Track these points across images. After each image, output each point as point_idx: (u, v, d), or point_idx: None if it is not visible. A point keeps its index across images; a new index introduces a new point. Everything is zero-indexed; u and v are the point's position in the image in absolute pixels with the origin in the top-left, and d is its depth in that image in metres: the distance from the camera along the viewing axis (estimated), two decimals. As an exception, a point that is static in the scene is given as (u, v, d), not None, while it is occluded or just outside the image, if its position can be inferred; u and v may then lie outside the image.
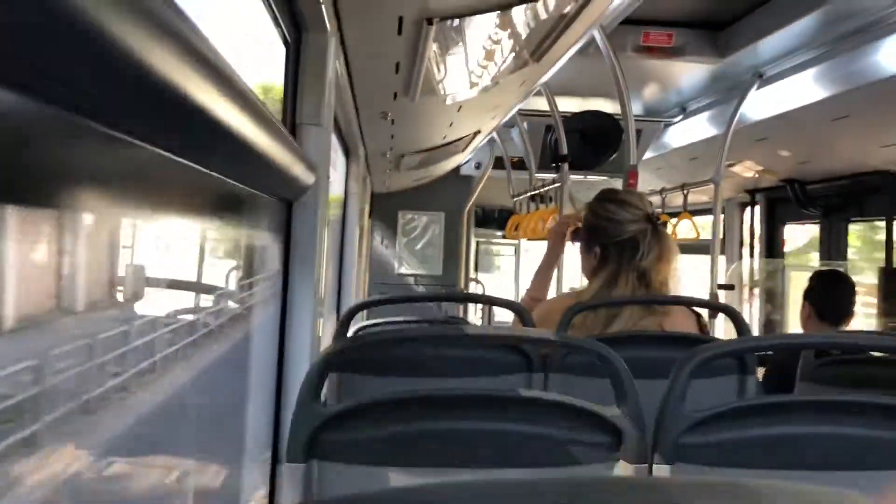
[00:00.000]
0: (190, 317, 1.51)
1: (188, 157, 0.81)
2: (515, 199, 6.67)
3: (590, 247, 2.24)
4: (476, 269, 9.14)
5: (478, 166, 7.16)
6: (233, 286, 1.58)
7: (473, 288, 8.67)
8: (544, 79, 3.24)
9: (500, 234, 8.32)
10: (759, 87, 3.98)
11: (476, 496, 0.44)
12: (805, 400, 1.27)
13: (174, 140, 0.73)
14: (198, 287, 1.54)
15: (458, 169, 7.08)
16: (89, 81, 0.51)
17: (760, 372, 2.33)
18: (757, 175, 5.04)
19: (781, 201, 5.26)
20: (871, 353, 2.64)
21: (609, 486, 0.48)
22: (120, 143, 0.62)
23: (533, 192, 5.77)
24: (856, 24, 3.10)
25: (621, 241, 2.16)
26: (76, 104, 0.52)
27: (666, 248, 2.17)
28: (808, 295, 3.07)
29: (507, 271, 9.61)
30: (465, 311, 8.07)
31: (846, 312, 3.02)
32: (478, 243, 9.27)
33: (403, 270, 8.12)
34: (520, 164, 6.53)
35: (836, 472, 1.21)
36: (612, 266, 2.18)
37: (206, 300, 1.61)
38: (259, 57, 1.49)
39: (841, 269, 3.84)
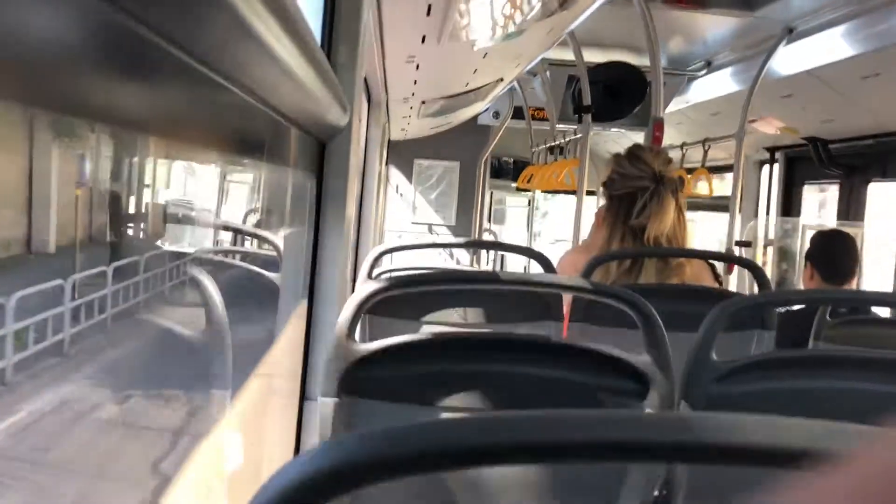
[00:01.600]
0: (221, 254, 1.53)
1: (237, 83, 0.81)
2: (534, 150, 6.63)
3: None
4: (490, 220, 9.14)
5: (496, 115, 7.10)
6: (267, 223, 1.59)
7: (487, 238, 8.68)
8: (571, 27, 3.20)
9: (514, 185, 8.29)
10: (787, 43, 3.91)
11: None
12: (835, 355, 1.28)
13: (221, 60, 0.72)
14: (228, 224, 1.55)
15: (475, 118, 7.02)
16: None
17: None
18: (778, 132, 4.98)
19: (801, 160, 5.21)
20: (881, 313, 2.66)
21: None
22: (164, 53, 0.59)
23: (553, 144, 5.73)
24: (892, -21, 3.04)
25: (621, 195, 2.18)
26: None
27: (662, 207, 2.15)
28: (810, 256, 3.03)
29: (520, 222, 9.60)
30: (479, 263, 8.09)
31: (849, 271, 2.97)
32: (492, 194, 9.25)
33: (417, 219, 8.12)
34: (539, 115, 6.48)
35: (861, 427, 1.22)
36: (610, 221, 2.20)
37: (236, 237, 1.62)
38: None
39: (851, 231, 3.80)
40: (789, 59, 3.97)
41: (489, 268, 8.39)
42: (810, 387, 1.24)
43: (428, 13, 2.12)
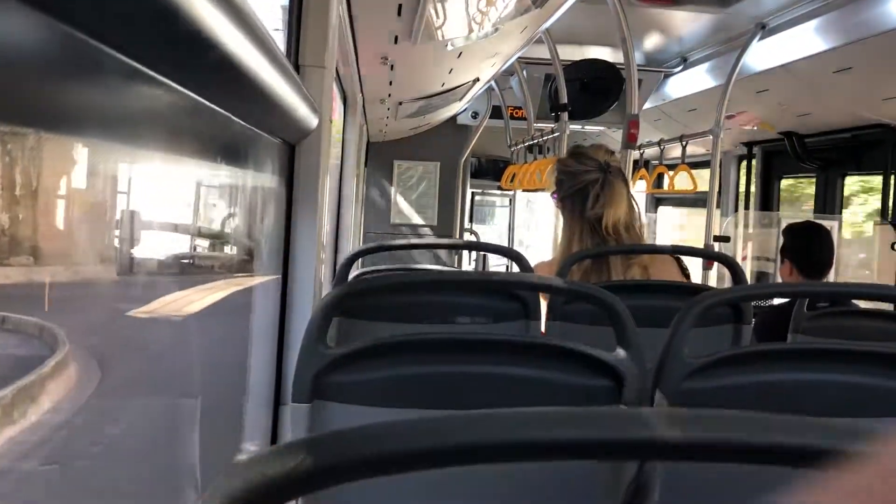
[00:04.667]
0: (190, 261, 1.51)
1: (195, 90, 0.80)
2: (513, 149, 6.63)
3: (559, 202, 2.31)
4: (471, 220, 9.13)
5: (475, 115, 7.10)
6: (236, 228, 1.57)
7: (469, 238, 8.67)
8: (546, 25, 3.20)
9: (495, 184, 8.28)
10: (761, 38, 3.93)
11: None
12: (807, 348, 1.28)
13: (181, 71, 0.72)
14: (199, 230, 1.53)
15: (454, 118, 7.02)
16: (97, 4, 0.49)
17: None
18: (755, 127, 5.01)
19: (778, 154, 5.25)
20: (859, 305, 2.66)
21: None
22: (127, 69, 0.60)
23: (531, 143, 5.73)
24: (862, -26, 3.06)
25: (573, 193, 2.21)
26: (82, 24, 0.49)
27: (615, 194, 2.18)
28: (786, 251, 3.01)
29: (501, 222, 9.59)
30: (460, 263, 8.09)
31: (826, 264, 2.96)
32: (473, 194, 9.23)
33: (398, 220, 8.10)
34: (518, 114, 6.48)
35: (834, 420, 1.22)
36: (569, 221, 2.23)
37: (207, 243, 1.60)
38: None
39: (827, 223, 3.81)
40: (763, 55, 3.99)
41: (471, 267, 8.38)
42: (782, 380, 1.24)
43: (399, 13, 2.11)
